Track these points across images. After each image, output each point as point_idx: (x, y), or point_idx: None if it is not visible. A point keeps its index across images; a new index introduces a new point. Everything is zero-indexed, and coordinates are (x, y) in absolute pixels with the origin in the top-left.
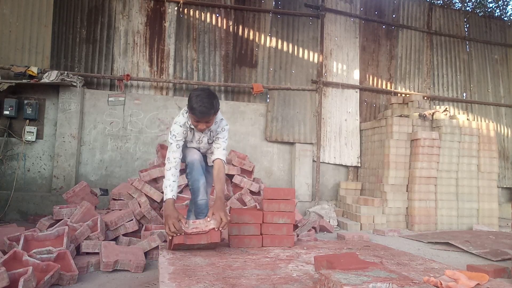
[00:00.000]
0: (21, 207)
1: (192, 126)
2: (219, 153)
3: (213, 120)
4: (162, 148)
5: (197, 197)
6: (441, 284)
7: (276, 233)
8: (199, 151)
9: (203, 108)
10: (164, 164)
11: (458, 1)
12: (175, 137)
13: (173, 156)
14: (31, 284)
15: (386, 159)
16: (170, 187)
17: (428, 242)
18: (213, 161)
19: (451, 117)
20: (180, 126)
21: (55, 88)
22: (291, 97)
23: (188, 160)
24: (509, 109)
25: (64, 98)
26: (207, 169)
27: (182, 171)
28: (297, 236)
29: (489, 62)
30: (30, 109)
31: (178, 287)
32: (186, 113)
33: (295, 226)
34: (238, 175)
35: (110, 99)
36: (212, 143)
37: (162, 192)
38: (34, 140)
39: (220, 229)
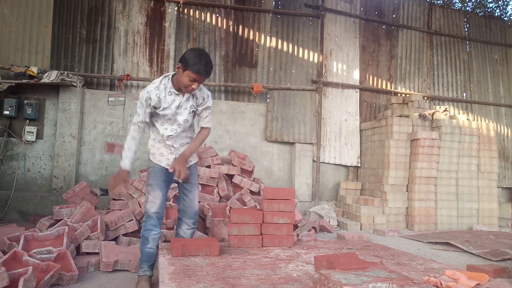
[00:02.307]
0: (21, 207)
1: (173, 90)
2: (207, 122)
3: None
4: None
5: (145, 245)
6: (441, 284)
7: (276, 233)
8: (174, 132)
9: (208, 66)
10: None
11: (458, 1)
12: (141, 105)
13: (134, 120)
14: (31, 284)
15: (386, 159)
16: (127, 158)
17: (428, 242)
18: (201, 128)
19: (451, 117)
20: (148, 92)
21: (55, 88)
22: (291, 97)
23: (147, 207)
24: (509, 109)
25: (64, 98)
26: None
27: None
28: (297, 236)
29: (489, 62)
30: (30, 109)
31: (178, 287)
32: (165, 77)
33: (295, 226)
34: (238, 175)
35: (110, 99)
36: (191, 114)
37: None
38: (34, 140)
39: (177, 179)
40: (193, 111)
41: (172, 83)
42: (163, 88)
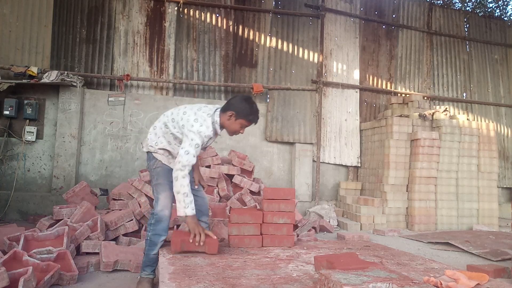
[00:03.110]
0: (21, 207)
1: (215, 131)
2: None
3: None
4: None
5: (151, 251)
6: (441, 284)
7: (276, 233)
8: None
9: (258, 116)
10: None
11: (458, 1)
12: (198, 147)
13: (190, 163)
14: (31, 284)
15: (386, 159)
16: (193, 203)
17: (428, 242)
18: None
19: (451, 117)
20: (205, 136)
21: (55, 88)
22: (291, 97)
23: (158, 209)
24: (509, 109)
25: (64, 98)
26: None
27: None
28: (297, 236)
29: (489, 62)
30: (30, 109)
31: (178, 287)
32: (212, 116)
33: (295, 226)
34: (238, 175)
35: (110, 99)
36: None
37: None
38: (34, 140)
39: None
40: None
41: (216, 124)
42: (213, 131)
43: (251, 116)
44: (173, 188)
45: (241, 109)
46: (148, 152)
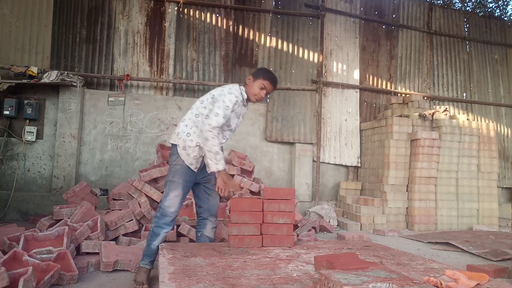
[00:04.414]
0: (21, 207)
1: (245, 101)
2: None
3: None
4: (162, 148)
5: (152, 241)
6: (441, 284)
7: (276, 233)
8: (226, 140)
9: (276, 78)
10: (164, 165)
11: (458, 1)
12: (228, 109)
13: (219, 123)
14: (31, 284)
15: (386, 159)
16: (223, 159)
17: (428, 242)
18: None
19: (451, 117)
20: (236, 97)
21: (55, 88)
22: (291, 97)
23: (165, 204)
24: (509, 109)
25: (64, 98)
26: (208, 191)
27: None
28: (297, 236)
29: (489, 62)
30: (30, 109)
31: (178, 287)
32: (240, 87)
33: (295, 226)
34: (238, 175)
35: (110, 99)
36: None
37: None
38: (34, 140)
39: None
40: None
41: (242, 91)
42: (241, 96)
43: (266, 75)
44: (204, 146)
45: (258, 71)
46: (173, 145)
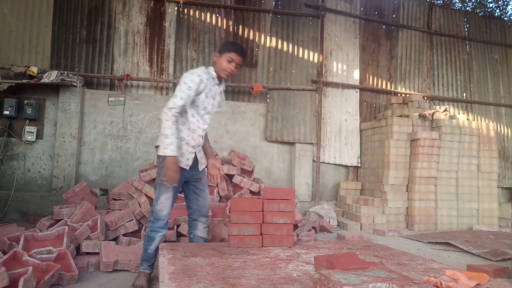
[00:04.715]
0: (21, 207)
1: (215, 79)
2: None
3: (238, 69)
4: None
5: (149, 245)
6: (441, 284)
7: (276, 233)
8: (207, 125)
9: (243, 48)
10: None
11: (458, 1)
12: (190, 89)
13: (175, 105)
14: (31, 284)
15: (386, 159)
16: (173, 144)
17: (428, 242)
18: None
19: (451, 117)
20: (199, 76)
21: (55, 88)
22: (291, 97)
23: (157, 208)
24: (509, 109)
25: (64, 98)
26: (197, 191)
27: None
28: (297, 236)
29: (489, 62)
30: (30, 109)
31: (178, 287)
32: (206, 68)
33: (295, 226)
34: (238, 175)
35: (110, 99)
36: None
37: (156, 147)
38: (34, 140)
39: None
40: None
41: (210, 70)
42: (207, 75)
43: (232, 47)
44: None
45: (223, 45)
46: (157, 147)
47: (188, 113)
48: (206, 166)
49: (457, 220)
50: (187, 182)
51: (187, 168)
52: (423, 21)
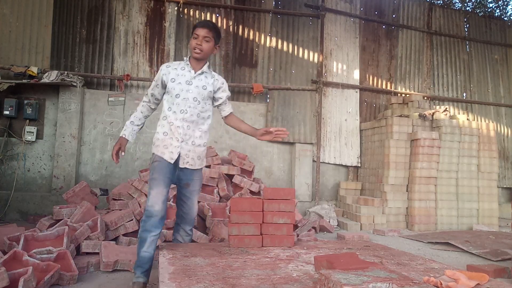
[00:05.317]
0: (21, 207)
1: (187, 65)
2: (229, 108)
3: (211, 43)
4: None
5: (141, 248)
6: (441, 284)
7: (276, 233)
8: (185, 113)
9: (204, 21)
10: None
11: (458, 1)
12: (155, 80)
13: (146, 93)
14: (31, 284)
15: (386, 159)
16: (127, 127)
17: (428, 242)
18: (227, 116)
19: (451, 117)
20: (167, 66)
21: (55, 88)
22: (291, 97)
23: (148, 204)
24: (509, 109)
25: (64, 98)
26: (184, 194)
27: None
28: (297, 236)
29: (489, 62)
30: (30, 109)
31: (178, 287)
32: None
33: (295, 226)
34: (238, 175)
35: (110, 99)
36: (206, 100)
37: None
38: (34, 140)
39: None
40: (208, 96)
41: (190, 61)
42: (177, 64)
43: (193, 27)
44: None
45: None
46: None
47: (165, 106)
48: (199, 169)
49: (457, 220)
50: (178, 185)
51: (172, 161)
52: (423, 21)
